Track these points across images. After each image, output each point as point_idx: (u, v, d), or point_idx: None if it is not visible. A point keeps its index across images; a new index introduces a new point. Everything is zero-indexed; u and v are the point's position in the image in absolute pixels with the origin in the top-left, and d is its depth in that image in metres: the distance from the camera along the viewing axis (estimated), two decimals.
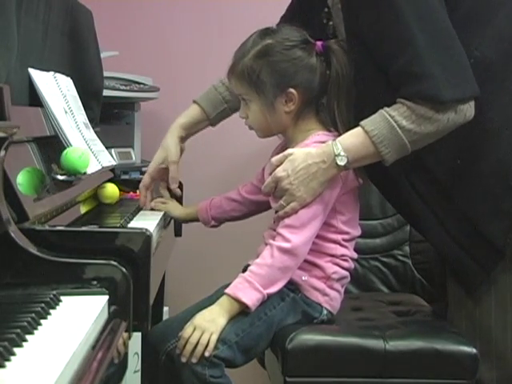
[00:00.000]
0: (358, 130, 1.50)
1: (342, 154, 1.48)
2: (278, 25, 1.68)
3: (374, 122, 1.48)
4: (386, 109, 1.48)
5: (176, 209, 1.79)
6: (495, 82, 1.56)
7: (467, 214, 1.58)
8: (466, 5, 1.55)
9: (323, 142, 1.53)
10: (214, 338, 1.45)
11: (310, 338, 1.55)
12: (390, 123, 1.46)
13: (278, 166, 1.53)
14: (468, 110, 1.48)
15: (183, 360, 1.45)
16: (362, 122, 1.50)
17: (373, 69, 1.54)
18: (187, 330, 1.46)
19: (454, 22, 1.49)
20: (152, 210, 1.75)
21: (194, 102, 1.81)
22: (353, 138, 1.50)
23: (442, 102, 1.45)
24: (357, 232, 1.64)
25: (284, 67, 1.55)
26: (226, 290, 1.49)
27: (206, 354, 1.44)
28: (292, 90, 1.55)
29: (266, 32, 1.59)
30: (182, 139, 1.78)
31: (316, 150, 1.51)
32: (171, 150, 1.74)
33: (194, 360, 1.44)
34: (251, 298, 1.47)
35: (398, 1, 1.46)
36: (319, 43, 1.58)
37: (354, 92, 1.56)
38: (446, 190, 1.59)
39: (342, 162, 1.48)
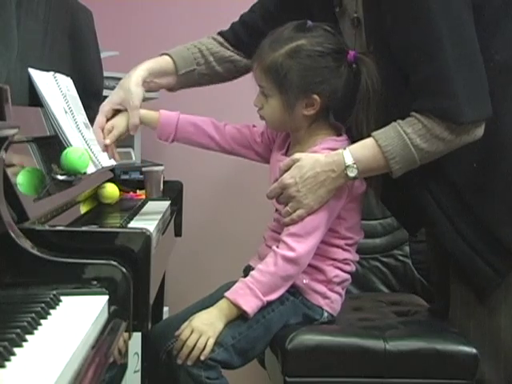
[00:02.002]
0: (370, 142, 1.47)
1: (353, 165, 1.46)
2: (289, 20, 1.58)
3: (388, 137, 1.46)
4: (401, 123, 1.46)
5: (124, 124, 1.60)
6: None
7: (482, 218, 1.56)
8: (490, 10, 1.52)
9: (332, 149, 1.51)
10: (211, 341, 1.45)
11: (309, 338, 1.55)
12: (405, 141, 1.45)
13: (285, 171, 1.51)
14: (478, 130, 1.47)
15: (179, 362, 1.46)
16: (376, 135, 1.47)
17: (390, 70, 1.51)
18: (185, 332, 1.46)
19: (476, 25, 1.47)
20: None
21: (165, 54, 1.71)
22: (364, 150, 1.48)
23: (460, 123, 1.44)
24: (359, 236, 1.63)
25: (313, 73, 1.51)
26: (227, 294, 1.48)
27: (202, 357, 1.44)
28: (315, 97, 1.52)
29: (301, 28, 1.54)
30: (145, 84, 1.64)
31: (325, 157, 1.49)
32: (133, 92, 1.60)
33: (189, 363, 1.45)
34: (251, 306, 1.47)
35: (432, 12, 1.43)
36: (352, 54, 1.54)
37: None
38: (462, 194, 1.57)
39: (352, 173, 1.47)
